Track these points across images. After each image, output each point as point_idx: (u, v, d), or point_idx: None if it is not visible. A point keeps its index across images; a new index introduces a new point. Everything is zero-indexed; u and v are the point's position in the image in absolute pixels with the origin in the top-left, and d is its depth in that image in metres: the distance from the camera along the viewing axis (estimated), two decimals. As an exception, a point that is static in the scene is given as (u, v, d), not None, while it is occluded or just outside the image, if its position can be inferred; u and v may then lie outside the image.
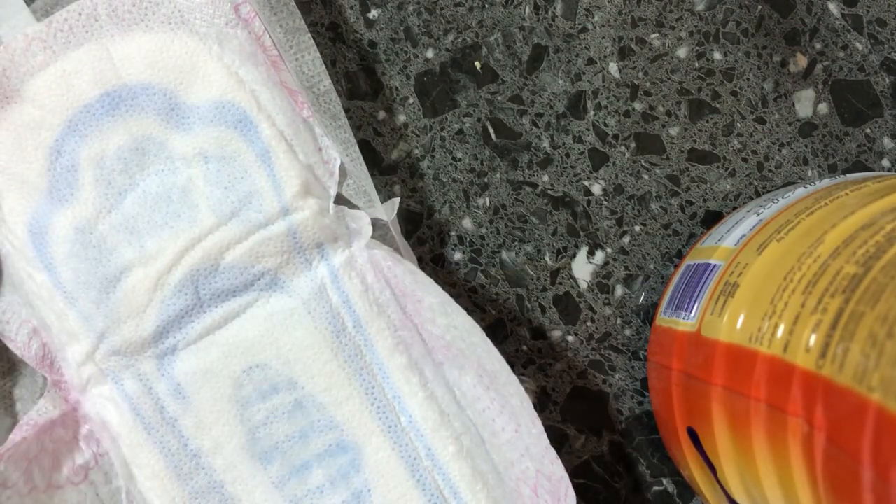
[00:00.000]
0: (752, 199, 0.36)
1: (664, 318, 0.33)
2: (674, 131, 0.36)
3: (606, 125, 0.36)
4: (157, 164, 0.29)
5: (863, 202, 0.27)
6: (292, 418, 0.30)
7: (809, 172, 0.36)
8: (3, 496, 0.27)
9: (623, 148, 0.36)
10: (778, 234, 0.28)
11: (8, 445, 0.27)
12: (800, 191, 0.31)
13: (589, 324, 0.35)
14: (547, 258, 0.35)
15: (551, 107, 0.36)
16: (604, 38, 0.36)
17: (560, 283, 0.35)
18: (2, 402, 0.30)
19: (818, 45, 0.37)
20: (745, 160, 0.36)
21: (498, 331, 0.35)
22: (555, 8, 0.36)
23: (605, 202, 0.36)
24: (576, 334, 0.35)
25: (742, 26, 0.36)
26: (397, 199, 0.31)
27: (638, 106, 0.36)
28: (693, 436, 0.30)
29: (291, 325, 0.30)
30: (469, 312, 0.35)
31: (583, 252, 0.35)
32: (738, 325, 0.27)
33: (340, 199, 0.31)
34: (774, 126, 0.36)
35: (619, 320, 0.35)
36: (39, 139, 0.28)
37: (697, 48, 0.36)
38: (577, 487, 0.35)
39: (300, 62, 0.30)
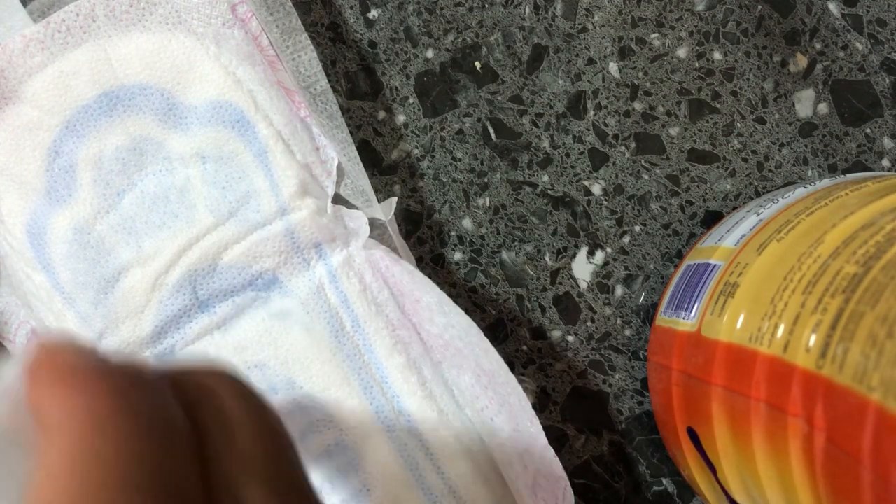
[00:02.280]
0: (752, 199, 0.36)
1: (664, 318, 0.32)
2: (674, 131, 0.36)
3: (606, 125, 0.36)
4: (154, 165, 0.29)
5: (863, 202, 0.27)
6: (290, 418, 0.30)
7: (809, 172, 0.36)
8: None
9: (623, 148, 0.36)
10: (778, 234, 0.28)
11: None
12: (800, 191, 0.31)
13: (589, 324, 0.35)
14: (547, 258, 0.35)
15: (551, 107, 0.36)
16: (604, 38, 0.36)
17: (560, 283, 0.35)
18: (1, 403, 0.30)
19: (818, 45, 0.36)
20: (745, 160, 0.36)
21: (498, 331, 0.35)
22: (555, 8, 0.36)
23: (605, 202, 0.35)
24: (576, 334, 0.35)
25: (742, 26, 0.36)
26: (395, 199, 0.31)
27: (638, 106, 0.36)
28: (693, 436, 0.29)
29: (289, 325, 0.30)
30: (469, 312, 0.35)
31: (583, 252, 0.35)
32: (738, 325, 0.27)
33: (338, 199, 0.31)
34: (774, 126, 0.36)
35: (619, 320, 0.35)
36: (37, 140, 0.28)
37: (697, 48, 0.36)
38: (577, 487, 0.35)
39: (297, 62, 0.30)
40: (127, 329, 0.29)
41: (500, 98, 0.35)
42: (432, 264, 0.35)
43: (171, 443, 0.13)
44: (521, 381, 0.34)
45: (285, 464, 0.15)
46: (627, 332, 0.35)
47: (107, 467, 0.12)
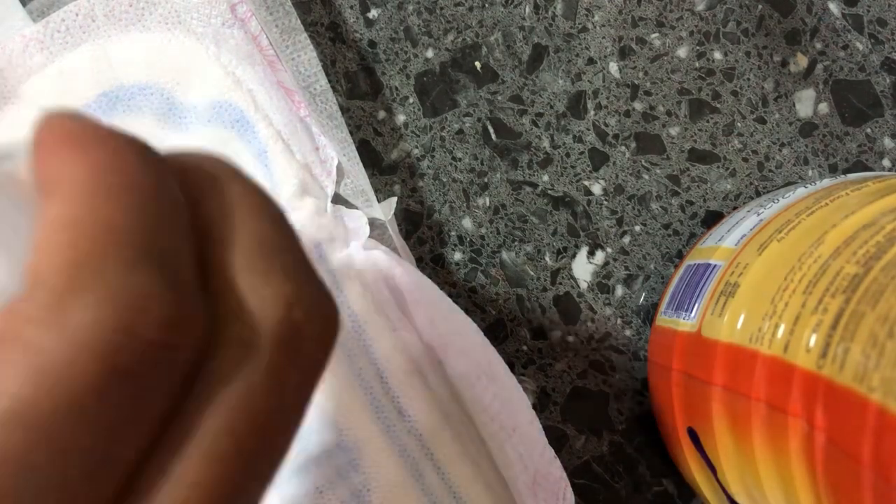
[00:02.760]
0: (752, 199, 0.36)
1: (664, 319, 0.32)
2: (674, 131, 0.36)
3: (607, 125, 0.36)
4: (155, 165, 0.29)
5: (863, 202, 0.27)
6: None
7: (810, 172, 0.36)
8: None
9: (623, 148, 0.36)
10: (778, 234, 0.28)
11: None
12: (800, 191, 0.31)
13: (589, 324, 0.35)
14: (547, 258, 0.35)
15: (551, 106, 0.35)
16: (604, 37, 0.36)
17: (560, 283, 0.35)
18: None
19: (819, 45, 0.36)
20: (745, 160, 0.36)
21: (498, 331, 0.35)
22: (555, 7, 0.36)
23: (605, 202, 0.35)
24: (576, 334, 0.35)
25: (742, 26, 0.36)
26: (394, 199, 0.31)
27: (638, 106, 0.36)
28: (693, 436, 0.29)
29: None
30: (469, 312, 0.35)
31: (583, 252, 0.35)
32: (739, 325, 0.27)
33: (338, 199, 0.31)
34: (775, 126, 0.36)
35: (619, 320, 0.35)
36: (37, 139, 0.28)
37: (698, 48, 0.36)
38: (577, 488, 0.35)
39: (297, 62, 0.30)
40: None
41: (500, 98, 0.35)
42: (432, 264, 0.35)
43: (170, 217, 0.12)
44: (521, 382, 0.34)
45: (296, 251, 0.14)
46: (627, 333, 0.35)
47: (107, 231, 0.11)
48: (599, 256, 0.35)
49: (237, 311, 0.13)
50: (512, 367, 0.35)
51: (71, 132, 0.12)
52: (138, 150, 0.13)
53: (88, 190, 0.12)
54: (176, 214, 0.13)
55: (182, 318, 0.12)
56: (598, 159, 0.36)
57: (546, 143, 0.35)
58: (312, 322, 0.13)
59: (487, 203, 0.35)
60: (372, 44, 0.35)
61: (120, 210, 0.12)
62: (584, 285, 0.35)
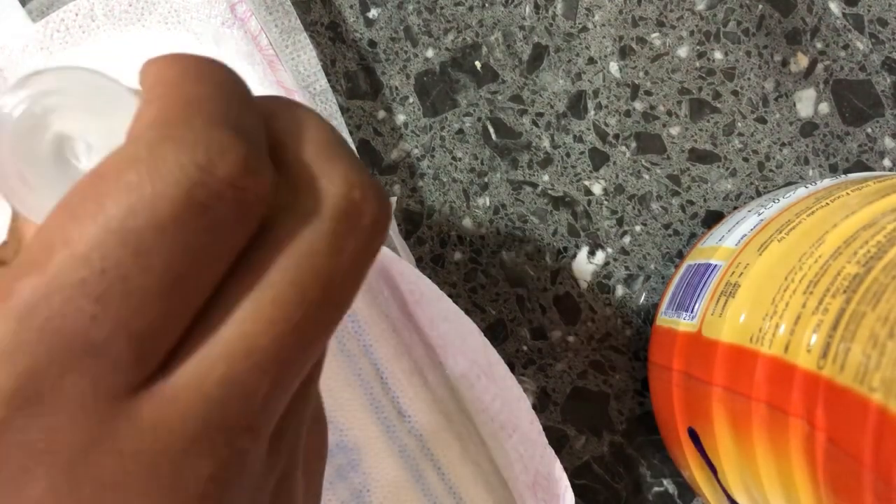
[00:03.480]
0: (753, 198, 0.36)
1: (665, 319, 0.32)
2: (674, 131, 0.36)
3: (607, 125, 0.36)
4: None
5: (864, 202, 0.27)
6: (291, 419, 0.30)
7: (810, 172, 0.36)
8: None
9: (623, 147, 0.36)
10: (779, 234, 0.28)
11: None
12: (801, 191, 0.31)
13: (589, 324, 0.35)
14: (547, 258, 0.35)
15: (552, 106, 0.35)
16: (604, 37, 0.36)
17: (560, 283, 0.35)
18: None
19: (819, 45, 0.36)
20: (745, 160, 0.36)
21: (498, 331, 0.35)
22: (555, 7, 0.36)
23: (605, 202, 0.35)
24: (576, 334, 0.35)
25: (743, 26, 0.36)
26: (394, 199, 0.31)
27: (638, 105, 0.36)
28: (694, 436, 0.29)
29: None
30: (469, 312, 0.35)
31: (583, 252, 0.35)
32: (739, 325, 0.27)
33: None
34: (775, 126, 0.36)
35: (619, 320, 0.35)
36: (37, 139, 0.28)
37: (698, 47, 0.36)
38: (577, 488, 0.35)
39: (296, 62, 0.30)
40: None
41: (500, 98, 0.35)
42: (432, 264, 0.35)
43: (247, 100, 0.15)
44: (521, 382, 0.34)
45: (353, 152, 0.16)
46: (628, 333, 0.35)
47: (191, 101, 0.14)
48: (600, 256, 0.35)
49: (305, 186, 0.15)
50: (512, 367, 0.35)
51: (165, 56, 0.15)
52: (221, 63, 0.15)
53: (175, 77, 0.14)
54: (251, 102, 0.15)
55: (254, 165, 0.14)
56: (599, 159, 0.36)
57: (546, 143, 0.35)
58: (369, 203, 0.15)
59: (487, 203, 0.35)
60: (372, 43, 0.35)
61: (202, 87, 0.14)
62: (584, 285, 0.35)
